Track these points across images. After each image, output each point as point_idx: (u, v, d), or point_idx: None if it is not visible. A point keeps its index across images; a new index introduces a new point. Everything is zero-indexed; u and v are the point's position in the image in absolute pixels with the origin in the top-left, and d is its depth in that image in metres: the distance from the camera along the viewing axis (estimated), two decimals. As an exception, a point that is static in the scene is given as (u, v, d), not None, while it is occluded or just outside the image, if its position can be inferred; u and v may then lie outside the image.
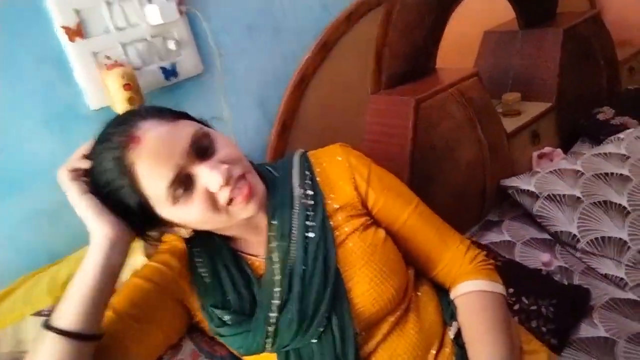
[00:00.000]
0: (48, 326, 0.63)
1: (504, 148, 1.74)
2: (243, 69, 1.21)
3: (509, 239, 1.58)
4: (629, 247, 1.37)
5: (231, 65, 1.19)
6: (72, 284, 0.65)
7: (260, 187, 0.72)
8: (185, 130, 0.67)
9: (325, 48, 1.34)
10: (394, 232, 0.86)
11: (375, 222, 0.85)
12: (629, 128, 1.88)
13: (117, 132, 0.66)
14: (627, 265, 1.36)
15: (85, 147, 0.70)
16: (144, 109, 0.71)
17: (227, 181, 0.66)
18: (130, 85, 0.94)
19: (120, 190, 0.66)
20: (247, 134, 1.25)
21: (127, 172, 0.64)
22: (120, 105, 0.95)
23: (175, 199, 0.66)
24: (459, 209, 1.60)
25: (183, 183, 0.66)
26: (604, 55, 2.21)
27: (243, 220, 0.72)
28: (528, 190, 1.59)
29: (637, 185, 1.50)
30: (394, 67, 1.52)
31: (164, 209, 0.67)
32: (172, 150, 0.65)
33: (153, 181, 0.65)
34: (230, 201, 0.68)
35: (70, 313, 0.63)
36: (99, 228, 0.66)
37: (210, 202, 0.67)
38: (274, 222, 0.79)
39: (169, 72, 1.06)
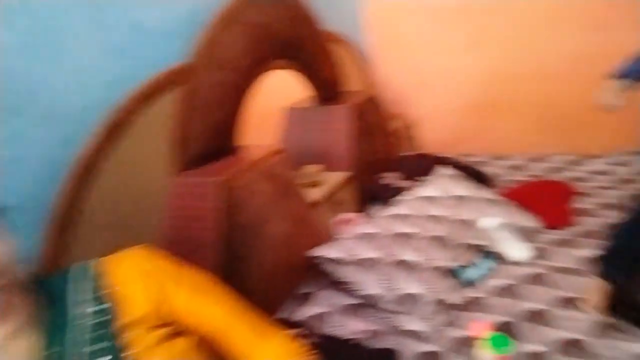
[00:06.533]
0: None
1: (309, 219, 1.82)
2: (7, 161, 1.02)
3: (321, 310, 1.59)
4: (425, 300, 1.50)
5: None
6: None
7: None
8: None
9: (115, 130, 1.23)
10: (203, 335, 0.80)
11: (183, 328, 0.78)
12: (408, 189, 2.15)
13: None
14: (426, 318, 1.47)
15: None
16: None
17: None
18: None
19: None
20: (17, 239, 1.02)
21: None
22: None
23: None
24: (273, 286, 1.58)
25: None
26: (381, 127, 2.55)
27: None
28: (332, 258, 1.65)
29: (420, 240, 1.68)
30: (194, 148, 1.48)
31: None
32: None
33: None
34: None
35: None
36: None
37: None
38: (53, 351, 0.65)
39: None
